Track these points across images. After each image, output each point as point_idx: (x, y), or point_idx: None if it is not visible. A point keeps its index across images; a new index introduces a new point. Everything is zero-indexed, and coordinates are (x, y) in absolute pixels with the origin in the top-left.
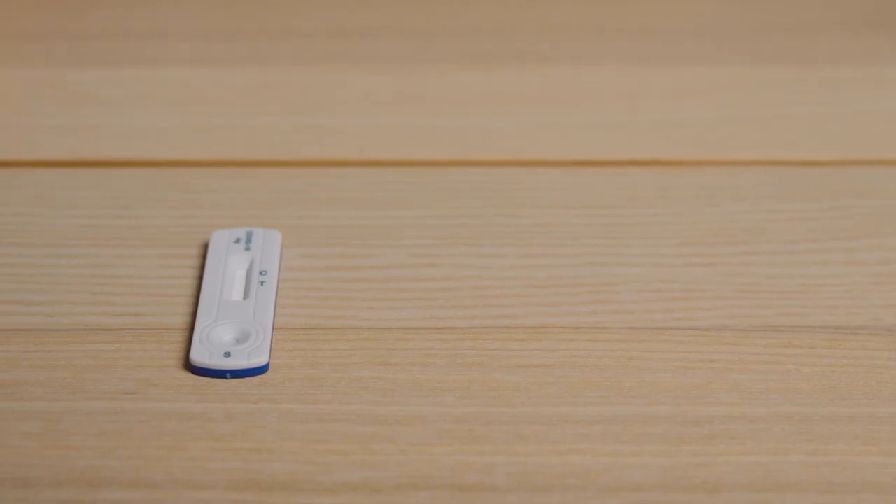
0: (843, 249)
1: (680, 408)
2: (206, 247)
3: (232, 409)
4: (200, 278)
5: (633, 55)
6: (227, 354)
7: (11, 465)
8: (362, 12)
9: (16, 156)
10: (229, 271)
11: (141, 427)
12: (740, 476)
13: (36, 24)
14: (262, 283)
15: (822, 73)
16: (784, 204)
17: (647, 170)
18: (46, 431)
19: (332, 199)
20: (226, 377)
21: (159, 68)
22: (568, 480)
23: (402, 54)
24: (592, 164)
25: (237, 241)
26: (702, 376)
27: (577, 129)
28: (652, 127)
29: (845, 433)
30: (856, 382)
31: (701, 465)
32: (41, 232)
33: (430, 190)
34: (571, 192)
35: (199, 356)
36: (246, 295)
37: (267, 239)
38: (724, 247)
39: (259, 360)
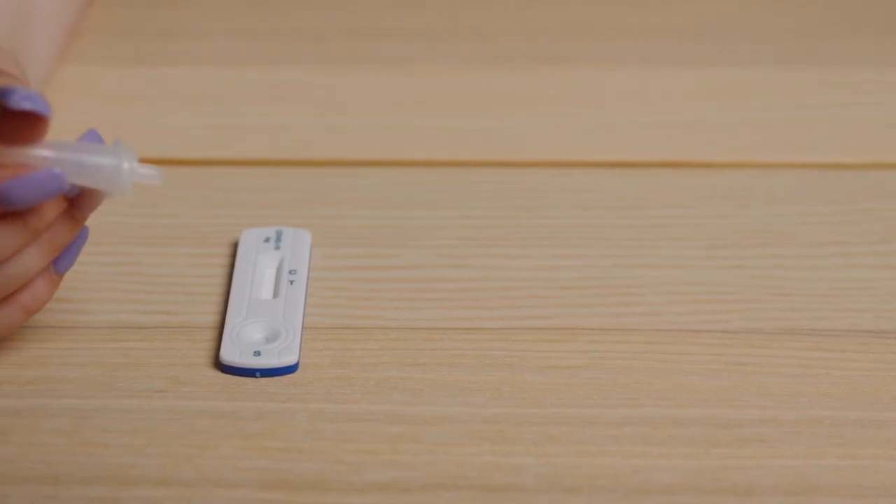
0: (872, 253)
1: (709, 410)
2: (235, 246)
3: (262, 407)
4: (230, 277)
5: (660, 56)
6: (257, 353)
7: (42, 462)
8: (386, 13)
9: None
10: (259, 270)
11: (171, 425)
12: (770, 479)
13: None
14: (291, 282)
15: (851, 76)
16: (813, 207)
17: (675, 171)
18: (77, 429)
19: (360, 199)
20: (255, 376)
21: (188, 67)
22: (598, 482)
23: (428, 55)
24: (620, 166)
25: (267, 240)
26: (731, 379)
27: (604, 130)
28: (680, 128)
29: (876, 437)
30: (886, 387)
31: (731, 469)
32: None
33: (458, 190)
34: (599, 193)
35: (229, 355)
36: (276, 294)
37: (296, 238)
38: (752, 249)
39: (289, 360)
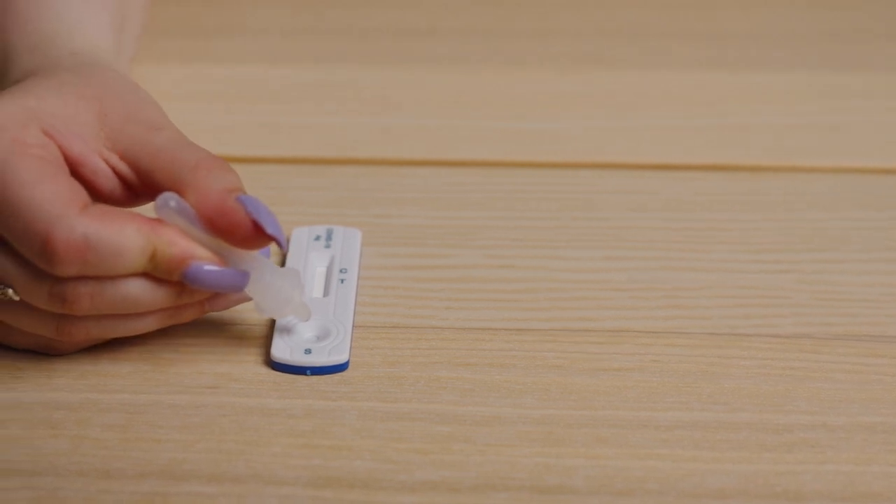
0: None
1: (760, 415)
2: (287, 244)
3: (312, 405)
4: None
5: (711, 60)
6: (308, 351)
7: (94, 457)
8: (438, 14)
9: None
10: (310, 268)
11: (222, 421)
12: (821, 485)
13: None
14: (342, 280)
15: None
16: (863, 212)
17: (725, 175)
18: (129, 423)
19: (411, 199)
20: (306, 374)
21: (240, 66)
22: (648, 485)
23: (479, 56)
24: (672, 168)
25: (317, 238)
26: (781, 384)
27: (653, 133)
28: (730, 131)
29: None
30: None
31: (782, 474)
32: None
33: (509, 191)
34: (650, 195)
35: (280, 352)
36: (326, 292)
37: (347, 237)
38: (802, 254)
39: (339, 358)
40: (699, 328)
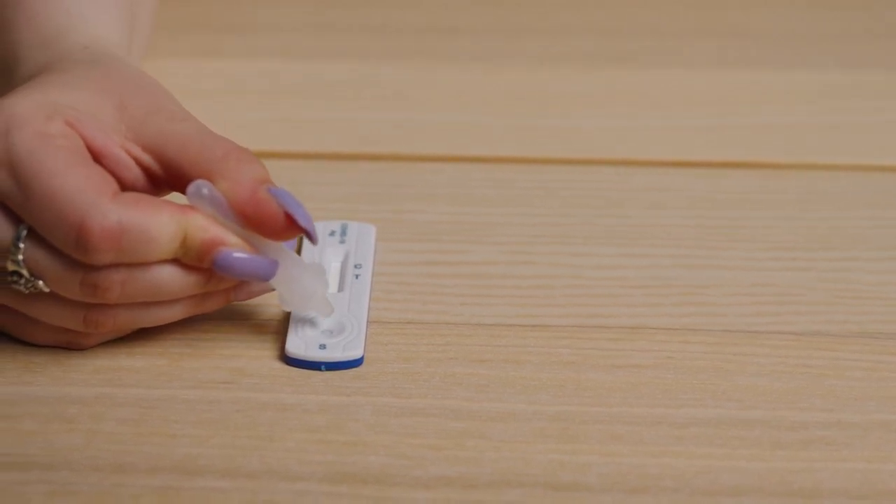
0: None
1: (775, 412)
2: (301, 239)
3: (326, 401)
4: None
5: (730, 58)
6: (323, 347)
7: (108, 451)
8: (455, 10)
9: None
10: (324, 264)
11: (236, 416)
12: (837, 483)
13: None
14: (356, 276)
15: None
16: (881, 211)
17: (745, 172)
18: (143, 418)
19: (426, 195)
20: (320, 369)
21: (255, 61)
22: (662, 482)
23: (497, 52)
24: (689, 166)
25: (332, 233)
26: (797, 381)
27: (673, 131)
28: (749, 129)
29: None
30: None
31: (796, 471)
32: None
33: (525, 188)
34: (667, 193)
35: (294, 348)
36: (341, 288)
37: (361, 232)
38: (820, 252)
39: (354, 354)
40: (715, 325)
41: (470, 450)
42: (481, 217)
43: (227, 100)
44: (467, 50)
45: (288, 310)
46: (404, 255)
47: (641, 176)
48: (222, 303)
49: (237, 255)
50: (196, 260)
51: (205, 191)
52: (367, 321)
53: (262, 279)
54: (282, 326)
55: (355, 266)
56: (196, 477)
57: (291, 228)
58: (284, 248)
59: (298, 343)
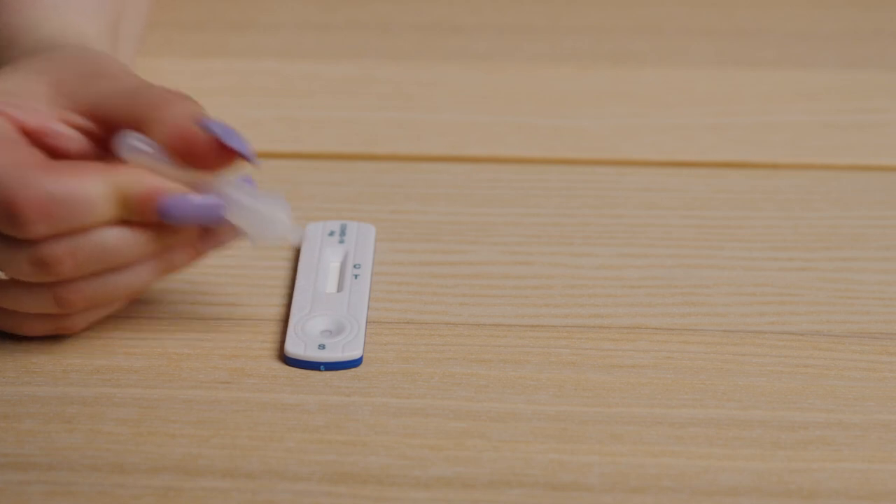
0: None
1: (774, 412)
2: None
3: (326, 401)
4: (295, 270)
5: (728, 57)
6: (322, 347)
7: (107, 451)
8: (455, 9)
9: None
10: (323, 264)
11: (236, 416)
12: (836, 483)
13: None
14: (356, 276)
15: None
16: (881, 210)
17: (743, 172)
18: (142, 418)
19: (426, 195)
20: (320, 369)
21: (255, 60)
22: (662, 482)
23: (496, 51)
24: (688, 165)
25: (331, 233)
26: (796, 381)
27: (672, 130)
28: (749, 129)
29: None
30: None
31: (796, 471)
32: None
33: (525, 188)
34: (666, 192)
35: (294, 348)
36: (340, 288)
37: (361, 232)
38: (819, 251)
39: (353, 354)
40: (714, 325)
41: (469, 450)
42: (481, 217)
43: (228, 99)
44: (468, 49)
45: (257, 244)
46: (404, 255)
47: (641, 176)
48: (192, 257)
49: (179, 199)
50: (139, 215)
51: (132, 141)
52: (367, 321)
53: (212, 218)
54: (281, 327)
55: (355, 266)
56: (196, 477)
57: (226, 155)
58: (238, 183)
59: (298, 343)
